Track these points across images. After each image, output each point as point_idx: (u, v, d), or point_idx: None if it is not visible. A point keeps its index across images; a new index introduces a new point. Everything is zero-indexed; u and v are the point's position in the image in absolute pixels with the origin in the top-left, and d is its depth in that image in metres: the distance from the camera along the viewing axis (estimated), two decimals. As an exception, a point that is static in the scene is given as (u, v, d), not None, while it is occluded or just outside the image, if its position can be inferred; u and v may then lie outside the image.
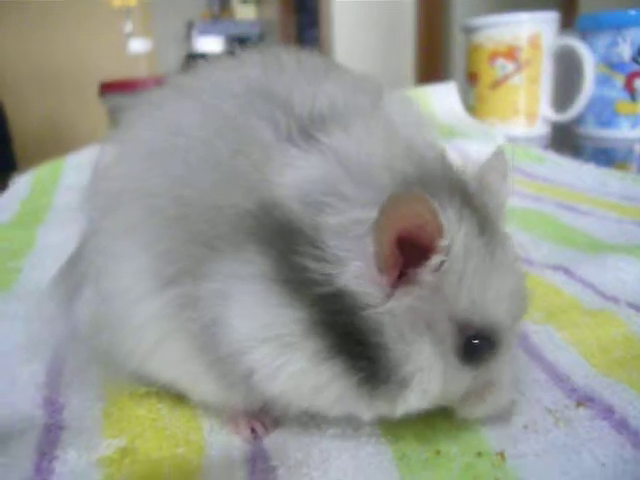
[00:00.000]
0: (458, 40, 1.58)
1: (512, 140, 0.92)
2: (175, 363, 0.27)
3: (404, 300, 0.23)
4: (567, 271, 0.43)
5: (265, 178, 0.23)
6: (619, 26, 0.93)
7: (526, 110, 1.04)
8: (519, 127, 1.04)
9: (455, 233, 0.22)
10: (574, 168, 0.77)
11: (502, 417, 0.27)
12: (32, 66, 2.01)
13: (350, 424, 0.28)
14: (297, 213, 0.23)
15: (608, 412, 0.27)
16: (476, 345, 0.24)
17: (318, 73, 0.28)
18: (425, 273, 0.22)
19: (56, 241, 0.59)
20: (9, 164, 1.57)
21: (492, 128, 0.98)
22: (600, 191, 0.67)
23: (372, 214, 0.21)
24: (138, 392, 0.32)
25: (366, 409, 0.25)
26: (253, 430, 0.28)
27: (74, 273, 0.36)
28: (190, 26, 3.22)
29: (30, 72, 2.01)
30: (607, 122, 0.98)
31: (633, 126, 0.96)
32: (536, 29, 1.00)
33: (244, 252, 0.23)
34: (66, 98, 2.07)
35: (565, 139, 1.02)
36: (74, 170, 0.88)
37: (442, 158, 0.25)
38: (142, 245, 0.26)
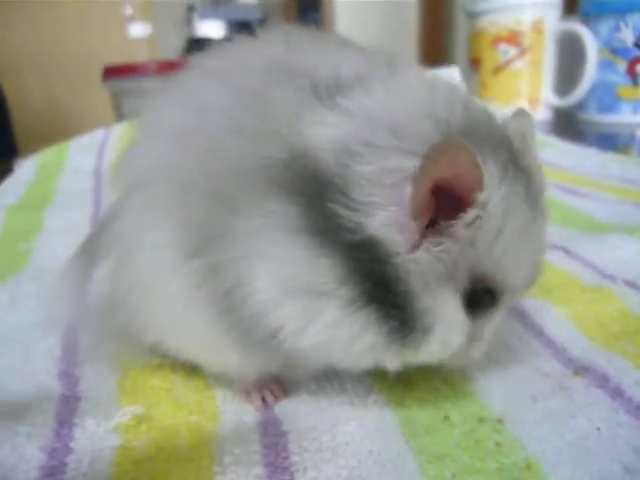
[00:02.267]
0: (461, 25, 1.57)
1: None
2: (196, 334, 0.28)
3: (433, 250, 0.23)
4: (567, 250, 0.44)
5: (295, 131, 0.23)
6: (622, 11, 0.93)
7: (528, 95, 1.04)
8: (521, 112, 1.04)
9: (496, 189, 0.22)
10: (576, 152, 0.78)
11: (504, 385, 0.29)
12: (31, 49, 2.00)
13: (357, 393, 0.29)
14: (328, 162, 0.23)
15: (603, 380, 0.28)
16: (481, 298, 0.24)
17: (339, 46, 0.29)
18: (459, 226, 0.22)
19: (65, 223, 0.61)
20: (10, 148, 1.57)
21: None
22: (601, 174, 0.68)
23: (413, 162, 0.22)
24: (152, 364, 0.33)
25: (393, 357, 0.25)
26: (264, 399, 0.29)
27: (90, 250, 0.37)
28: (191, 10, 3.20)
29: (29, 55, 1.99)
30: (609, 107, 0.98)
31: (635, 111, 0.96)
32: (539, 14, 1.00)
33: (270, 203, 0.23)
34: (66, 81, 2.06)
35: (567, 124, 1.03)
36: (79, 154, 0.89)
37: (486, 111, 0.25)
38: (168, 217, 0.26)
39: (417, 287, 0.23)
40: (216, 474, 0.25)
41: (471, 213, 0.22)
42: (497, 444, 0.25)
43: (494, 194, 0.22)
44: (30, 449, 0.27)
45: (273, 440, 0.26)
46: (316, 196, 0.23)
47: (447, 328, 0.24)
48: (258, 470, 0.25)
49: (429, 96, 0.25)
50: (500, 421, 0.27)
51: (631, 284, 0.38)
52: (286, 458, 0.25)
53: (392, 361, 0.25)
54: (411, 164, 0.22)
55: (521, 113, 0.27)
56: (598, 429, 0.25)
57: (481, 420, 0.27)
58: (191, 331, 0.28)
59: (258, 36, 0.31)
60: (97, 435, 0.28)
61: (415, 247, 0.23)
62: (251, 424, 0.28)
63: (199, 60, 0.31)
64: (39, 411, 0.30)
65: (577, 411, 0.27)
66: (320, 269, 0.23)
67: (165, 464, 0.26)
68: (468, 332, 0.25)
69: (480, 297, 0.25)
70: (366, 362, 0.26)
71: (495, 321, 0.26)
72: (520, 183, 0.24)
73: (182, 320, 0.27)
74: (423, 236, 0.23)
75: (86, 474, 0.25)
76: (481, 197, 0.22)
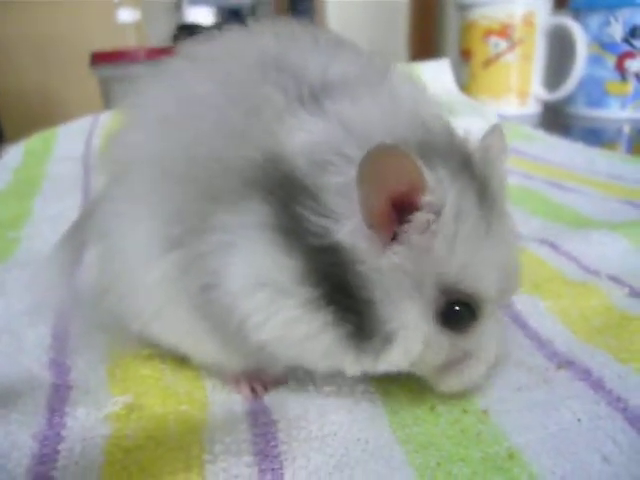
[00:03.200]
0: (452, 17, 1.57)
1: (504, 118, 0.93)
2: (177, 325, 0.28)
3: (393, 259, 0.23)
4: (553, 245, 0.45)
5: (275, 137, 0.24)
6: (612, 6, 0.94)
7: (518, 88, 1.05)
8: (511, 105, 1.05)
9: (446, 194, 0.23)
10: (563, 147, 0.79)
11: (489, 377, 0.29)
12: (18, 33, 1.96)
13: (345, 383, 0.30)
14: (302, 169, 0.24)
15: (586, 374, 0.29)
16: (457, 311, 0.25)
17: (330, 45, 0.29)
18: (412, 232, 0.23)
19: (54, 211, 0.60)
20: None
21: (484, 106, 0.99)
22: (588, 170, 0.69)
23: None
24: (142, 354, 0.33)
25: (351, 363, 0.25)
26: (253, 389, 0.30)
27: (77, 238, 0.37)
28: (180, -4, 3.16)
29: (15, 39, 1.96)
30: (597, 102, 0.99)
31: (622, 106, 0.97)
32: (530, 7, 1.01)
33: (248, 201, 0.24)
34: (53, 67, 2.03)
35: (555, 118, 1.04)
36: (67, 140, 0.89)
37: (447, 128, 0.26)
38: (150, 208, 0.27)
39: (378, 295, 0.24)
40: (207, 462, 0.25)
41: (419, 217, 0.23)
42: (481, 434, 0.26)
43: (444, 197, 0.23)
44: (22, 437, 0.27)
45: (263, 429, 0.27)
46: (288, 199, 0.23)
47: (408, 338, 0.24)
48: (248, 459, 0.25)
49: (399, 111, 0.25)
50: (484, 412, 0.27)
51: (615, 279, 0.39)
52: (275, 447, 0.26)
53: (351, 366, 0.26)
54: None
55: (494, 130, 0.28)
56: (579, 420, 0.26)
57: (466, 411, 0.28)
58: (171, 322, 0.28)
59: (250, 27, 0.31)
60: (88, 424, 0.28)
61: (377, 256, 0.23)
62: (240, 413, 0.28)
63: (189, 47, 0.31)
64: (30, 399, 0.30)
65: (559, 403, 0.27)
66: (284, 268, 0.24)
67: (155, 452, 0.26)
68: (450, 350, 0.25)
69: (457, 311, 0.25)
70: (324, 364, 0.26)
71: (487, 336, 0.26)
72: (472, 190, 0.24)
73: (162, 311, 0.28)
74: (386, 245, 0.23)
75: (78, 462, 0.26)
76: (426, 200, 0.23)
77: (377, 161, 0.21)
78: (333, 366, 0.26)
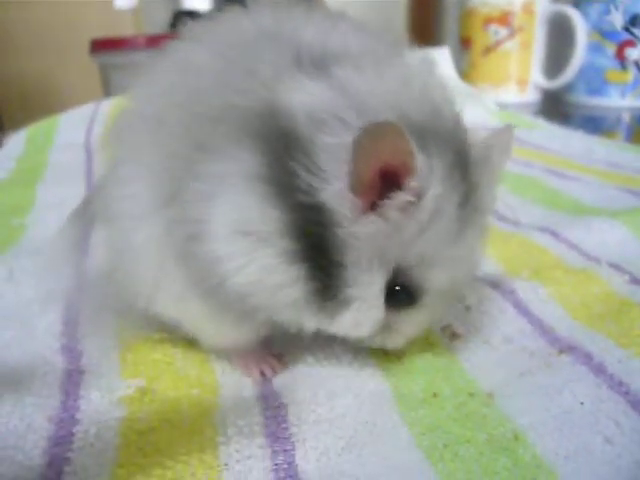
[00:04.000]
0: (451, 5, 1.56)
1: (503, 106, 0.94)
2: (174, 296, 0.29)
3: (368, 227, 0.24)
4: (553, 233, 0.46)
5: (274, 90, 0.25)
6: (612, -6, 0.94)
7: (517, 76, 1.05)
8: (510, 93, 1.05)
9: (432, 184, 0.24)
10: (563, 135, 0.79)
11: (493, 363, 0.30)
12: (16, 20, 1.95)
13: (353, 368, 0.30)
14: (299, 124, 0.24)
15: (587, 358, 0.30)
16: (396, 292, 0.26)
17: (329, 20, 0.29)
18: (390, 207, 0.24)
19: (57, 198, 0.61)
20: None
21: (484, 94, 0.99)
22: (587, 158, 0.70)
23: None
24: (152, 338, 0.34)
25: (310, 318, 0.27)
26: (262, 373, 0.31)
27: (85, 215, 0.38)
28: (178, -18, 3.13)
29: (14, 27, 1.95)
30: (597, 90, 1.00)
31: (622, 95, 0.98)
32: (530, -5, 1.01)
33: (238, 150, 0.25)
34: (51, 54, 2.01)
35: (555, 106, 1.04)
36: (69, 128, 0.88)
37: (454, 116, 0.26)
38: (145, 166, 0.27)
39: (349, 259, 0.25)
40: (220, 444, 0.26)
41: (401, 195, 0.24)
42: (486, 417, 0.27)
43: (429, 187, 0.24)
44: (38, 420, 0.28)
45: (274, 412, 0.28)
46: (281, 152, 0.24)
47: (363, 307, 0.26)
48: (260, 440, 0.26)
49: (407, 88, 0.26)
50: (489, 396, 0.28)
51: (615, 266, 0.40)
52: (286, 429, 0.26)
53: (309, 321, 0.27)
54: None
55: (505, 130, 0.29)
56: (582, 403, 0.27)
57: (471, 395, 0.28)
58: (166, 289, 0.29)
59: (248, 8, 0.31)
60: (102, 407, 0.29)
61: (355, 221, 0.24)
62: (251, 397, 0.29)
63: (189, 29, 0.31)
64: (44, 384, 0.30)
65: (562, 387, 0.28)
66: (268, 218, 0.24)
67: (169, 435, 0.27)
68: (386, 321, 0.27)
69: (397, 292, 0.26)
70: (287, 314, 0.27)
71: (416, 320, 0.28)
72: (458, 193, 0.25)
73: (158, 278, 0.28)
74: (363, 213, 0.24)
75: (93, 444, 0.26)
76: (412, 182, 0.23)
77: (375, 133, 0.22)
78: (294, 319, 0.27)
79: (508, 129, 0.29)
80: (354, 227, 0.24)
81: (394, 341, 0.28)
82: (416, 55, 0.29)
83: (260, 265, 0.25)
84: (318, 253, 0.25)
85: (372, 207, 0.24)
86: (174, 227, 0.26)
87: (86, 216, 0.37)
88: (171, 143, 0.26)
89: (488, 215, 0.28)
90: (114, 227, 0.30)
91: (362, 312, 0.26)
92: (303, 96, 0.24)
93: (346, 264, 0.25)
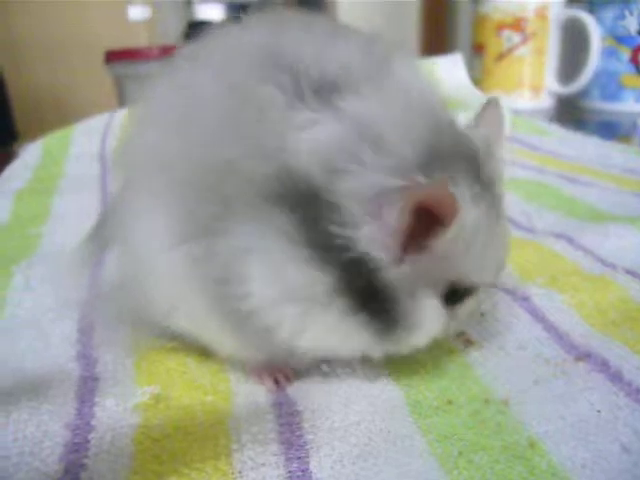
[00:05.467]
0: (464, 11, 1.57)
1: (517, 113, 0.93)
2: (195, 318, 0.29)
3: (414, 264, 0.25)
4: (569, 239, 0.45)
5: (283, 143, 0.24)
6: (627, -1, 0.93)
7: (531, 82, 1.05)
8: (524, 99, 1.05)
9: (468, 211, 0.24)
10: (578, 141, 0.79)
11: (507, 370, 0.30)
12: (30, 31, 1.98)
13: (367, 377, 0.30)
14: (317, 179, 0.24)
15: (604, 366, 0.30)
16: (459, 294, 0.27)
17: (327, 35, 0.28)
18: (436, 244, 0.24)
19: (73, 208, 0.62)
20: (10, 133, 1.56)
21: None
22: (602, 164, 0.69)
23: (392, 182, 0.23)
24: (166, 347, 0.34)
25: (377, 350, 0.28)
26: (276, 381, 0.31)
27: (100, 236, 0.38)
28: (190, -8, 3.16)
29: (28, 38, 1.98)
30: (612, 95, 0.99)
31: (638, 100, 0.97)
32: (543, 0, 1.00)
33: (265, 213, 0.24)
34: (65, 65, 2.04)
35: (569, 112, 1.03)
36: (84, 138, 0.90)
37: (453, 123, 0.27)
38: (163, 207, 0.27)
39: (400, 295, 0.25)
40: (234, 451, 0.26)
41: (449, 233, 0.24)
42: (501, 424, 0.27)
43: (465, 215, 0.24)
44: (54, 426, 0.28)
45: (287, 419, 0.28)
46: (307, 211, 0.24)
47: (427, 327, 0.27)
48: (274, 447, 0.26)
49: (410, 108, 0.25)
50: (504, 403, 0.28)
51: (632, 272, 0.39)
52: (301, 436, 0.26)
53: (376, 352, 0.28)
54: (391, 184, 0.23)
55: (491, 106, 0.29)
56: (598, 411, 0.27)
57: (486, 402, 0.28)
58: (189, 313, 0.29)
59: (246, 21, 0.31)
60: (117, 414, 0.29)
61: (397, 262, 0.24)
62: (265, 404, 0.29)
63: (188, 48, 0.31)
64: (60, 391, 0.31)
65: (578, 394, 0.28)
66: (316, 282, 0.24)
67: (184, 442, 0.27)
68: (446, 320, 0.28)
69: (458, 294, 0.27)
70: (354, 355, 0.28)
71: (470, 305, 0.29)
72: (484, 199, 0.25)
73: (179, 303, 0.29)
74: (405, 251, 0.24)
75: (109, 451, 0.27)
76: (449, 216, 0.23)
77: (420, 190, 0.22)
78: (362, 354, 0.28)
79: (493, 104, 0.29)
80: (400, 267, 0.24)
81: (453, 328, 0.29)
82: (405, 58, 0.29)
83: (317, 328, 0.26)
84: (371, 298, 0.25)
85: (413, 242, 0.24)
86: (200, 267, 0.26)
87: (101, 235, 0.38)
88: (185, 190, 0.26)
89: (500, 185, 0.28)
90: (130, 253, 0.30)
91: (427, 331, 0.27)
92: (313, 141, 0.24)
93: (398, 299, 0.25)
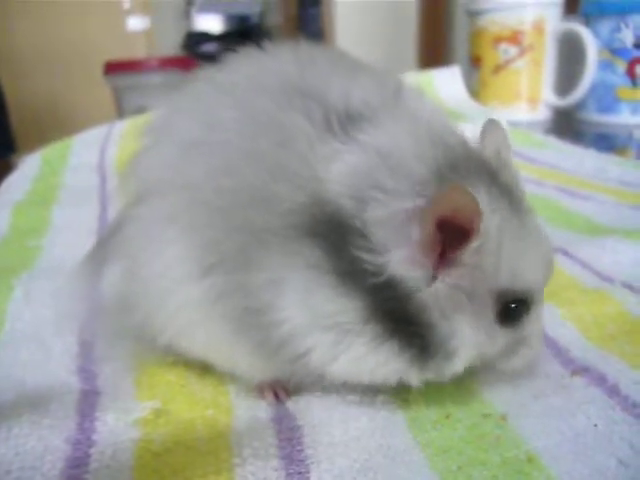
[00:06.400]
0: (461, 23, 1.58)
1: (514, 125, 0.94)
2: (208, 342, 0.29)
3: (447, 281, 0.24)
4: (567, 253, 0.46)
5: (313, 173, 0.25)
6: (623, 12, 0.94)
7: (528, 95, 1.05)
8: (521, 112, 1.06)
9: (489, 214, 0.24)
10: (575, 153, 0.79)
11: (506, 384, 0.30)
12: (29, 42, 1.98)
13: (366, 394, 0.30)
14: (346, 208, 0.24)
15: (601, 380, 0.30)
16: (513, 309, 0.26)
17: (349, 69, 0.30)
18: (466, 255, 0.24)
19: (72, 220, 0.62)
20: (8, 145, 1.56)
21: (494, 113, 1.00)
22: (600, 177, 0.69)
23: (410, 203, 0.24)
24: (166, 361, 0.34)
25: (416, 378, 0.27)
26: (276, 395, 0.31)
27: (102, 253, 0.38)
28: (189, 4, 3.18)
29: (27, 49, 1.98)
30: (608, 108, 0.99)
31: (633, 112, 0.97)
32: (540, 13, 1.01)
33: (295, 244, 0.25)
34: (64, 76, 2.05)
35: (566, 124, 1.04)
36: (83, 149, 0.90)
37: (463, 141, 0.27)
38: (183, 233, 0.27)
39: (435, 318, 0.25)
40: (235, 466, 0.26)
41: (476, 242, 0.24)
42: (500, 439, 0.27)
43: (490, 218, 0.24)
44: (55, 441, 0.28)
45: (288, 434, 0.28)
46: (337, 240, 0.24)
47: (468, 348, 0.26)
48: (275, 462, 0.26)
49: (416, 136, 0.26)
50: (502, 418, 0.28)
51: (629, 286, 0.40)
52: (301, 451, 0.27)
53: (415, 380, 0.27)
54: (409, 205, 0.24)
55: (493, 125, 0.29)
56: (595, 425, 0.27)
57: (484, 416, 0.28)
58: (201, 339, 0.29)
59: (267, 50, 0.32)
60: (118, 428, 0.29)
61: (431, 281, 0.24)
62: (266, 419, 0.29)
63: (208, 73, 0.32)
64: (61, 405, 0.31)
65: (576, 409, 0.28)
66: (347, 309, 0.25)
67: (185, 456, 0.27)
68: (507, 342, 0.27)
69: (513, 309, 0.26)
70: (390, 383, 0.28)
71: (536, 320, 0.28)
72: (504, 200, 0.25)
73: (192, 329, 0.29)
74: (436, 269, 0.24)
75: (109, 466, 0.27)
76: (478, 226, 0.24)
77: (442, 200, 0.23)
78: (397, 382, 0.27)
79: (493, 124, 0.29)
80: (431, 287, 0.24)
81: (533, 351, 0.28)
82: (412, 88, 0.30)
83: (352, 356, 0.26)
84: (404, 324, 0.25)
85: (442, 260, 0.24)
86: (226, 301, 0.27)
87: (102, 253, 0.38)
88: (206, 217, 0.27)
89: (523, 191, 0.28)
90: (139, 275, 0.30)
91: (469, 353, 0.26)
92: (341, 171, 0.25)
93: (435, 321, 0.25)
